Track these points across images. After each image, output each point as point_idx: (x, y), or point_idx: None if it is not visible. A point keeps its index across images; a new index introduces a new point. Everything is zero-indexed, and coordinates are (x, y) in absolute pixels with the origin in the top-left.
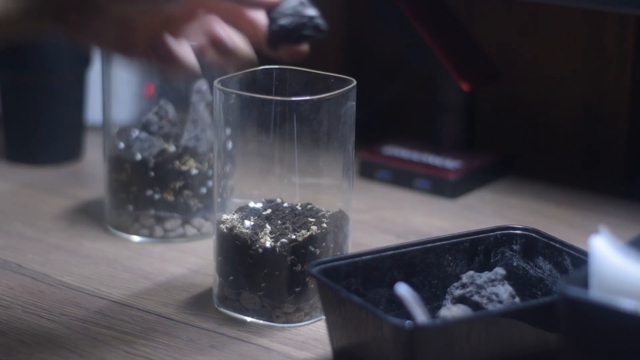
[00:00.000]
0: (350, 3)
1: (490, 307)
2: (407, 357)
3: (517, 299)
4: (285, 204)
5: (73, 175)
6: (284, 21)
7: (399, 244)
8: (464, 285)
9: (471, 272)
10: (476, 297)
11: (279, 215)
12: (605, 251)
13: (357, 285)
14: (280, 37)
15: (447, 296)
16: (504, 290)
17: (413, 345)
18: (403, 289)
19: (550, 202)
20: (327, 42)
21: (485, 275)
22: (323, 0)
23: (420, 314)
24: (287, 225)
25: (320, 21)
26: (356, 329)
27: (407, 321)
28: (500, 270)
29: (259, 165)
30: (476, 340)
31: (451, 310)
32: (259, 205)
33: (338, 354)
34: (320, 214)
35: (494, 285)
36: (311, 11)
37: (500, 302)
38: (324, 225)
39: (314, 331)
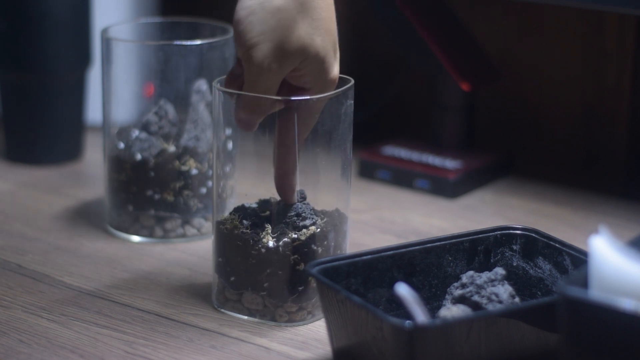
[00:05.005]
0: (350, 3)
1: (490, 307)
2: (407, 357)
3: (517, 299)
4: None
5: (73, 175)
6: None
7: (399, 244)
8: (464, 285)
9: (471, 272)
10: (476, 297)
11: (278, 215)
12: (605, 251)
13: (357, 285)
14: None
15: (447, 296)
16: (504, 290)
17: (413, 345)
18: (403, 289)
19: (550, 202)
20: None
21: (485, 275)
22: None
23: (420, 314)
24: (288, 224)
25: None
26: (356, 329)
27: (407, 321)
28: (500, 270)
29: (257, 165)
30: (476, 340)
31: (451, 310)
32: (254, 205)
33: (338, 354)
34: (317, 212)
35: (494, 285)
36: None
37: (500, 302)
38: (323, 223)
39: (314, 331)
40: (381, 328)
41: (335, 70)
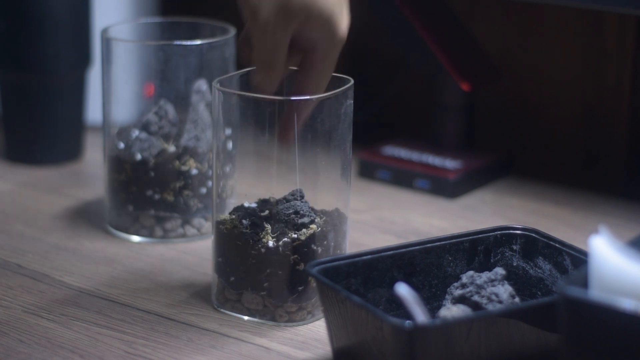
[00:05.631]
0: (350, 3)
1: (490, 307)
2: (407, 357)
3: (517, 299)
4: (279, 198)
5: (73, 175)
6: None
7: (399, 244)
8: (463, 285)
9: (471, 272)
10: (476, 297)
11: (277, 214)
12: (605, 251)
13: (357, 285)
14: None
15: (447, 296)
16: (504, 290)
17: (413, 345)
18: (403, 289)
19: (550, 202)
20: None
21: (485, 275)
22: None
23: (420, 314)
24: (286, 222)
25: None
26: (356, 329)
27: (407, 321)
28: (500, 270)
29: (256, 165)
30: (476, 340)
31: (451, 310)
32: (254, 205)
33: (338, 354)
34: (317, 212)
35: (493, 285)
36: None
37: (500, 302)
38: (323, 223)
39: (314, 331)
40: (381, 328)
41: (342, 27)
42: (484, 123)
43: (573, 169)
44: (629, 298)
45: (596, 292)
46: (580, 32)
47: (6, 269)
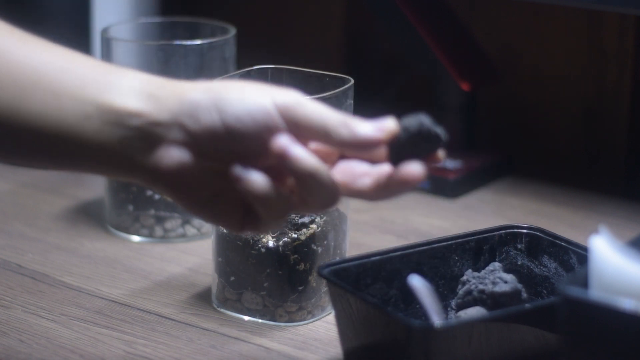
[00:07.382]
0: (350, 3)
1: (497, 288)
2: (421, 357)
3: (522, 288)
4: None
5: (73, 175)
6: (405, 137)
7: (407, 244)
8: (464, 283)
9: (469, 271)
10: (481, 286)
11: None
12: (605, 251)
13: (365, 287)
14: (402, 154)
15: (454, 297)
16: (507, 275)
17: (426, 345)
18: (416, 281)
19: (550, 202)
20: (327, 42)
21: (483, 271)
22: (323, 1)
23: (431, 307)
24: (287, 223)
25: (443, 137)
26: (367, 329)
27: (420, 321)
28: (496, 264)
29: None
30: (490, 338)
31: (466, 313)
32: None
33: (348, 353)
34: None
35: (495, 274)
36: (437, 129)
37: (506, 282)
38: (323, 223)
39: (314, 331)
40: (393, 328)
41: None
42: (484, 123)
43: (573, 169)
44: (629, 298)
45: (596, 292)
46: (580, 32)
47: (6, 269)
